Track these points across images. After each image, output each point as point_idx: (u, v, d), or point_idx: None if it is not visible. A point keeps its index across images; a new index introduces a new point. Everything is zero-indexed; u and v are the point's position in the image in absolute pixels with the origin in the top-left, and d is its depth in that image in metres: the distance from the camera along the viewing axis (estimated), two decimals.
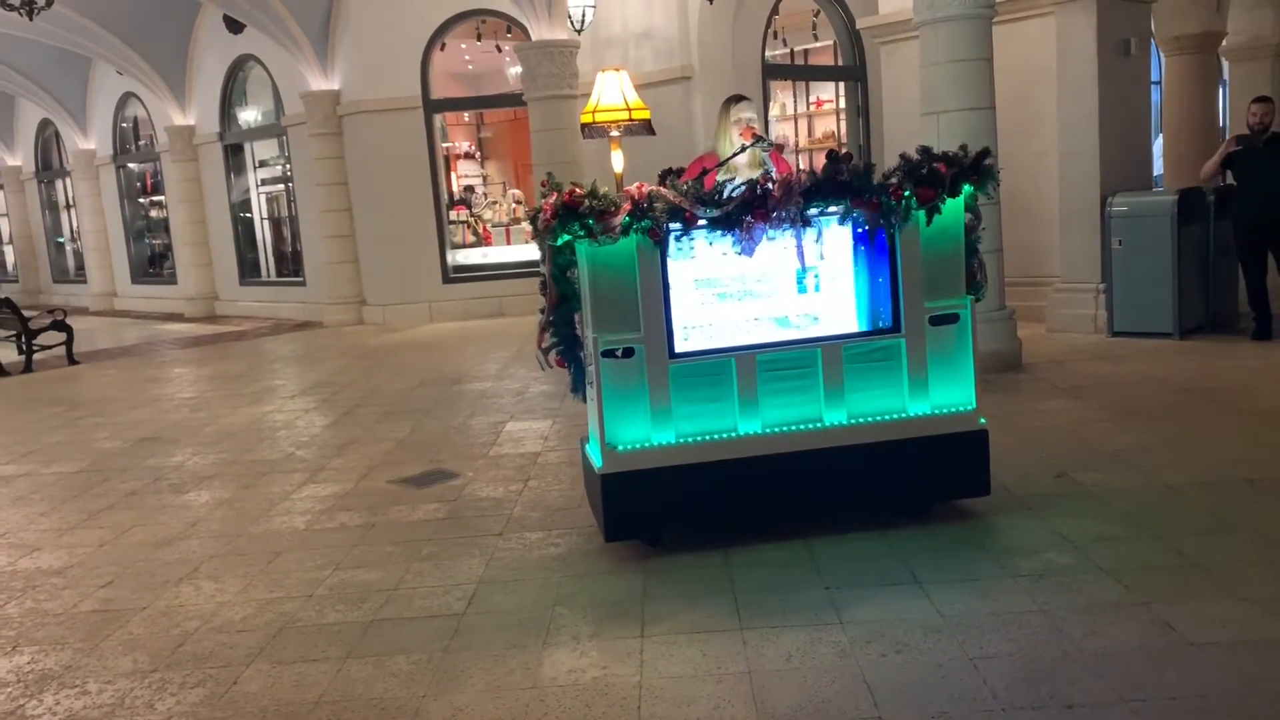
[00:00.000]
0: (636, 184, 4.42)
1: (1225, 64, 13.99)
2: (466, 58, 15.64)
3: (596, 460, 4.62)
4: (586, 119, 4.93)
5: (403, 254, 14.01)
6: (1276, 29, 13.72)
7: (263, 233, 17.17)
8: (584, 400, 4.85)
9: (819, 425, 4.67)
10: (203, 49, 16.71)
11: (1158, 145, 12.00)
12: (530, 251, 13.54)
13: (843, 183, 4.47)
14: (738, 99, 5.51)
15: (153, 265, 20.49)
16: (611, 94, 4.89)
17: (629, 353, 4.44)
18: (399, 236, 13.98)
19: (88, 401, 10.20)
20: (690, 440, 4.57)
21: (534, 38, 11.62)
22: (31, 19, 12.03)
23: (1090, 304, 9.14)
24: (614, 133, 4.94)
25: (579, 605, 4.21)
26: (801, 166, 7.79)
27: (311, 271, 15.59)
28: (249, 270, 17.28)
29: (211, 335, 15.04)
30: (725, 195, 4.44)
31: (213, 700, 3.63)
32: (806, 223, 4.54)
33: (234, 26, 15.58)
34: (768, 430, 4.63)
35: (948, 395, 4.76)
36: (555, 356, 4.83)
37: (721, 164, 5.47)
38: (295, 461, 7.04)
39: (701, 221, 4.42)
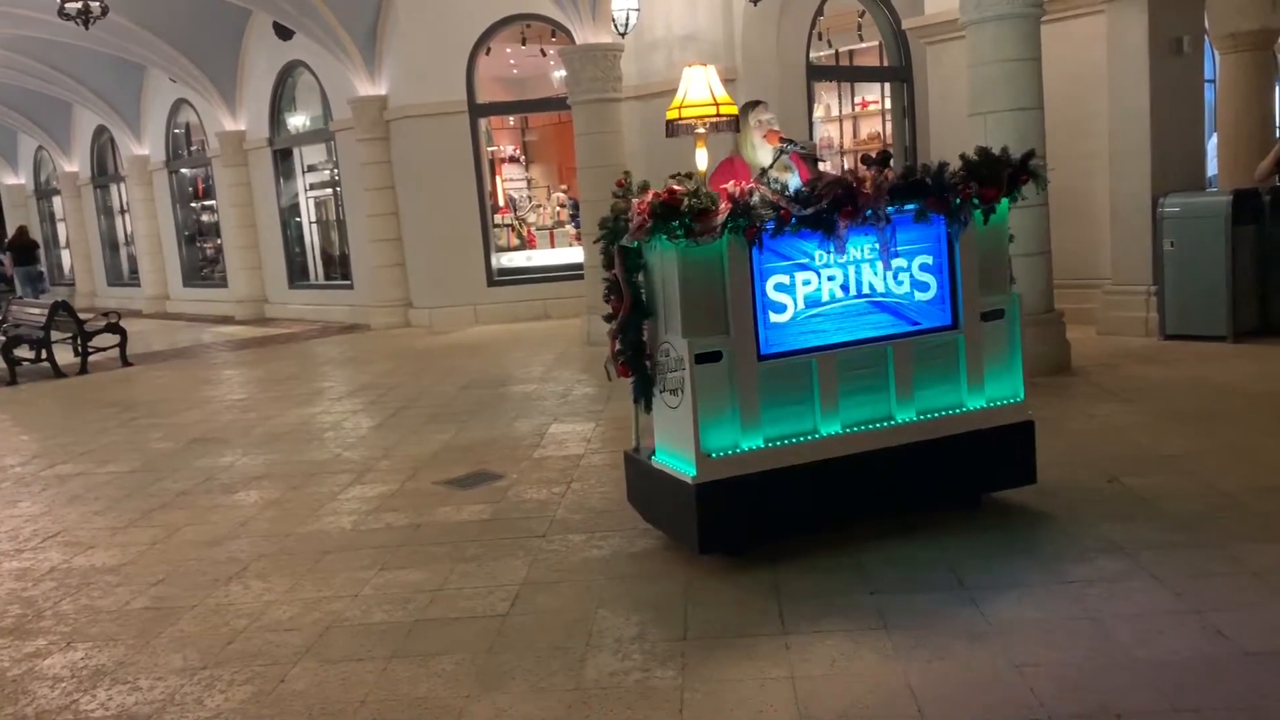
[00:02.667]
0: (733, 182, 4.42)
1: None
2: (511, 62, 15.74)
3: (687, 469, 4.44)
4: (672, 115, 4.85)
5: (448, 257, 14.12)
6: None
7: (311, 236, 17.40)
8: (647, 410, 4.71)
9: (891, 423, 4.76)
10: (253, 56, 16.98)
11: (1211, 145, 11.77)
12: (574, 254, 13.63)
13: (920, 182, 4.56)
14: (756, 103, 5.44)
15: (204, 269, 20.85)
16: (699, 89, 4.82)
17: (717, 357, 4.35)
18: (445, 240, 14.10)
19: (141, 403, 10.40)
20: (777, 444, 4.52)
21: (578, 41, 11.65)
22: (87, 28, 12.31)
23: (1141, 306, 8.99)
24: (699, 130, 4.86)
25: (622, 608, 4.22)
26: (847, 168, 7.72)
27: (359, 275, 15.77)
28: (298, 273, 17.51)
29: (261, 338, 15.26)
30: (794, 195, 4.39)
31: (260, 698, 3.69)
32: (889, 221, 4.56)
33: (283, 33, 15.81)
34: (846, 430, 4.67)
35: (1000, 388, 4.95)
36: (620, 365, 4.68)
37: (768, 169, 5.37)
38: (343, 462, 7.13)
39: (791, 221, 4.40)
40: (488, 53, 14.21)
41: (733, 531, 4.54)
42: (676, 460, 4.56)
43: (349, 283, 16.21)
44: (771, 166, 5.48)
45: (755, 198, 4.28)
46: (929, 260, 4.78)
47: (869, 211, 4.46)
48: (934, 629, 3.79)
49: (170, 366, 13.09)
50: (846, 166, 14.98)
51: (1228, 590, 3.91)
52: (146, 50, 16.87)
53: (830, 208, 4.37)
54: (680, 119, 4.83)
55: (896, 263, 4.75)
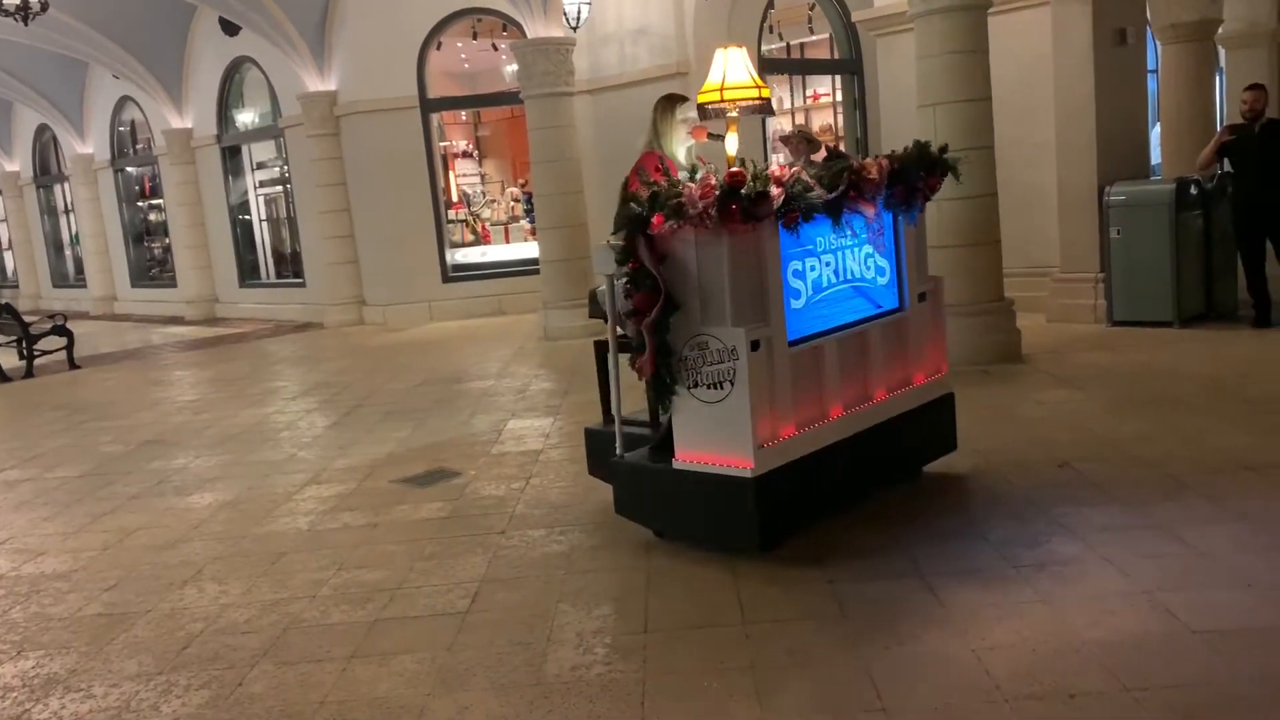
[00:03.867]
0: (778, 166, 4.42)
1: (1222, 51, 13.98)
2: (463, 56, 15.64)
3: (738, 464, 4.31)
4: (712, 98, 4.70)
5: (402, 254, 14.01)
6: (1273, 15, 13.71)
7: (262, 234, 17.18)
8: (664, 411, 4.55)
9: (871, 403, 4.93)
10: (198, 52, 16.70)
11: (1155, 134, 11.98)
12: (529, 250, 13.59)
13: (901, 170, 4.79)
14: (680, 99, 5.39)
15: (152, 269, 20.50)
16: (738, 71, 4.69)
17: (757, 346, 4.28)
18: (398, 236, 13.98)
19: (90, 406, 10.21)
20: (804, 430, 4.54)
21: (530, 35, 11.61)
22: (26, 24, 12.04)
23: (1089, 294, 9.15)
24: (732, 113, 4.74)
25: (582, 602, 4.22)
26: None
27: (311, 273, 15.60)
28: (249, 272, 17.29)
29: (212, 338, 15.05)
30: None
31: (217, 702, 3.64)
32: (881, 207, 4.84)
33: (229, 29, 15.58)
34: (848, 410, 4.77)
35: (933, 364, 5.34)
36: (650, 363, 4.39)
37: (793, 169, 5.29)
38: (298, 463, 7.05)
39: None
40: (438, 47, 14.10)
41: (782, 523, 4.51)
42: (717, 457, 4.39)
43: (301, 281, 16.03)
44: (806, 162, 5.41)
45: (798, 185, 4.30)
46: (885, 246, 5.02)
47: (874, 196, 4.65)
48: (891, 615, 3.83)
49: (119, 368, 12.87)
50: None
51: (1176, 571, 4.00)
52: (89, 47, 16.55)
53: (844, 193, 4.48)
54: (722, 101, 4.66)
55: (866, 249, 4.88)
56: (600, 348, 5.43)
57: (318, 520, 5.69)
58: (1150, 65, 11.17)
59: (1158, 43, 12.42)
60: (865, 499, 4.96)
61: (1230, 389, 6.71)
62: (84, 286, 21.89)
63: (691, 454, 4.46)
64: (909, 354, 5.19)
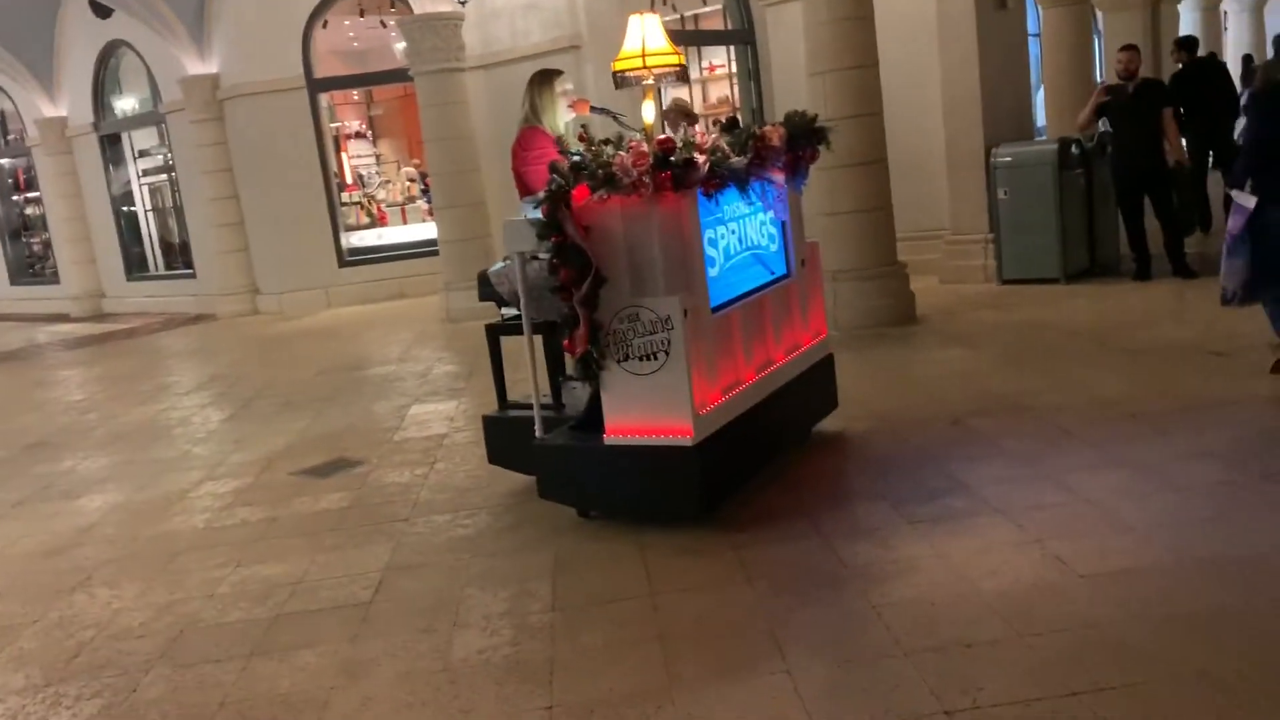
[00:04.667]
0: (699, 133, 4.38)
1: (1099, 15, 14.40)
2: (350, 34, 15.26)
3: (677, 433, 4.28)
4: (629, 65, 4.60)
5: (295, 239, 13.65)
6: None
7: (148, 225, 16.57)
8: (594, 386, 4.48)
9: (775, 365, 5.02)
10: (69, 37, 15.95)
11: (1040, 97, 12.30)
12: (428, 230, 13.37)
13: (792, 138, 4.89)
14: (555, 73, 5.29)
15: (32, 265, 19.63)
16: (656, 38, 4.62)
17: (685, 314, 4.24)
18: (290, 221, 13.61)
19: None
20: (727, 396, 4.55)
21: (417, 11, 11.37)
22: None
23: (980, 254, 9.37)
24: (648, 81, 4.68)
25: (489, 585, 4.18)
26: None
27: (201, 263, 15.11)
28: (136, 265, 16.66)
29: (100, 334, 14.48)
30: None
31: (111, 710, 3.52)
32: (786, 173, 4.99)
33: (101, 11, 14.91)
34: (758, 375, 4.83)
35: (815, 326, 5.51)
36: (580, 337, 4.30)
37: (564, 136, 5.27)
38: (192, 459, 6.84)
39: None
40: (324, 25, 13.73)
41: (718, 487, 4.52)
42: (653, 428, 4.35)
43: (191, 271, 15.52)
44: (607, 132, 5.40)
45: (717, 153, 4.28)
46: (773, 214, 5.08)
47: (774, 163, 4.71)
48: (794, 577, 3.89)
49: (0, 370, 12.31)
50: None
51: (1065, 519, 4.13)
52: None
53: (753, 160, 4.51)
54: (645, 68, 4.59)
55: (761, 216, 4.93)
56: (491, 332, 5.37)
57: (214, 517, 5.53)
58: (1032, 29, 11.47)
59: (1039, 7, 12.73)
60: (769, 464, 5.01)
61: (1113, 341, 6.95)
62: None
63: (624, 427, 4.41)
64: (797, 318, 5.30)
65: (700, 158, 4.20)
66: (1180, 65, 10.80)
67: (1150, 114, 8.57)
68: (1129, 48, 8.97)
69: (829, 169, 7.63)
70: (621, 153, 4.15)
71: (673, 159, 4.10)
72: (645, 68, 4.62)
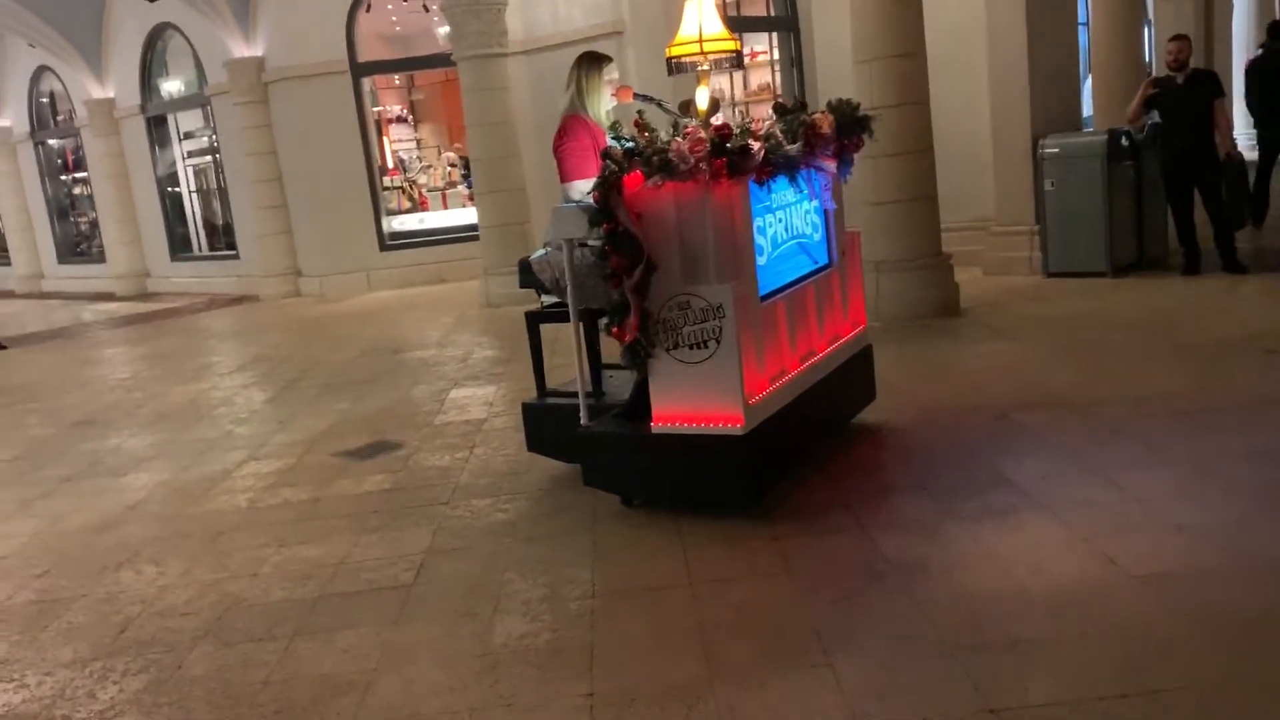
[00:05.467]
0: (753, 120, 4.37)
1: (1150, 2, 14.12)
2: (393, 18, 15.27)
3: (727, 422, 4.26)
4: (686, 50, 4.59)
5: (337, 223, 13.74)
6: None
7: (192, 206, 16.75)
8: (642, 375, 4.45)
9: (818, 355, 4.99)
10: (118, 19, 16.13)
11: (1088, 86, 12.10)
12: (468, 215, 13.41)
13: (840, 126, 4.84)
14: (602, 58, 5.16)
15: (80, 244, 19.93)
16: (713, 23, 4.61)
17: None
18: (332, 205, 13.70)
19: (17, 387, 9.92)
20: (774, 386, 4.52)
21: None
22: None
23: (1025, 246, 9.24)
24: (703, 66, 4.67)
25: (529, 570, 4.19)
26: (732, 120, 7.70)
27: (244, 244, 15.25)
28: (180, 245, 16.86)
29: (144, 314, 14.68)
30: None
31: (157, 686, 3.56)
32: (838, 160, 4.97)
33: None
34: (803, 365, 4.81)
35: (855, 316, 5.46)
36: (631, 325, 4.26)
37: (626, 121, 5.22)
38: (235, 439, 6.92)
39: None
40: (368, 9, 13.76)
41: (766, 477, 4.51)
42: (703, 416, 4.32)
43: (234, 253, 15.68)
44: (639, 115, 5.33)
45: (771, 139, 4.26)
46: (817, 203, 5.04)
47: (826, 151, 4.69)
48: (836, 570, 3.86)
49: (47, 348, 12.52)
50: (738, 118, 14.96)
51: (1114, 517, 4.06)
52: (1, 15, 15.91)
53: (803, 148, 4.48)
54: (702, 53, 4.57)
55: (806, 205, 4.89)
56: (532, 319, 5.36)
57: (257, 497, 5.59)
58: (1081, 18, 11.27)
59: None
60: (810, 454, 4.98)
61: (1161, 336, 6.83)
62: (8, 265, 21.22)
63: (672, 415, 4.38)
64: (838, 308, 5.25)
65: (755, 145, 4.16)
66: (1261, 51, 10.67)
67: (1201, 105, 8.41)
68: (1179, 38, 8.80)
69: (874, 157, 7.55)
70: (678, 139, 4.11)
71: (729, 146, 4.06)
72: (702, 53, 4.59)
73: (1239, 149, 8.85)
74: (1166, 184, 8.77)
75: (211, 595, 4.30)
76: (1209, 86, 8.52)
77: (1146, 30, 13.80)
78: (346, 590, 4.20)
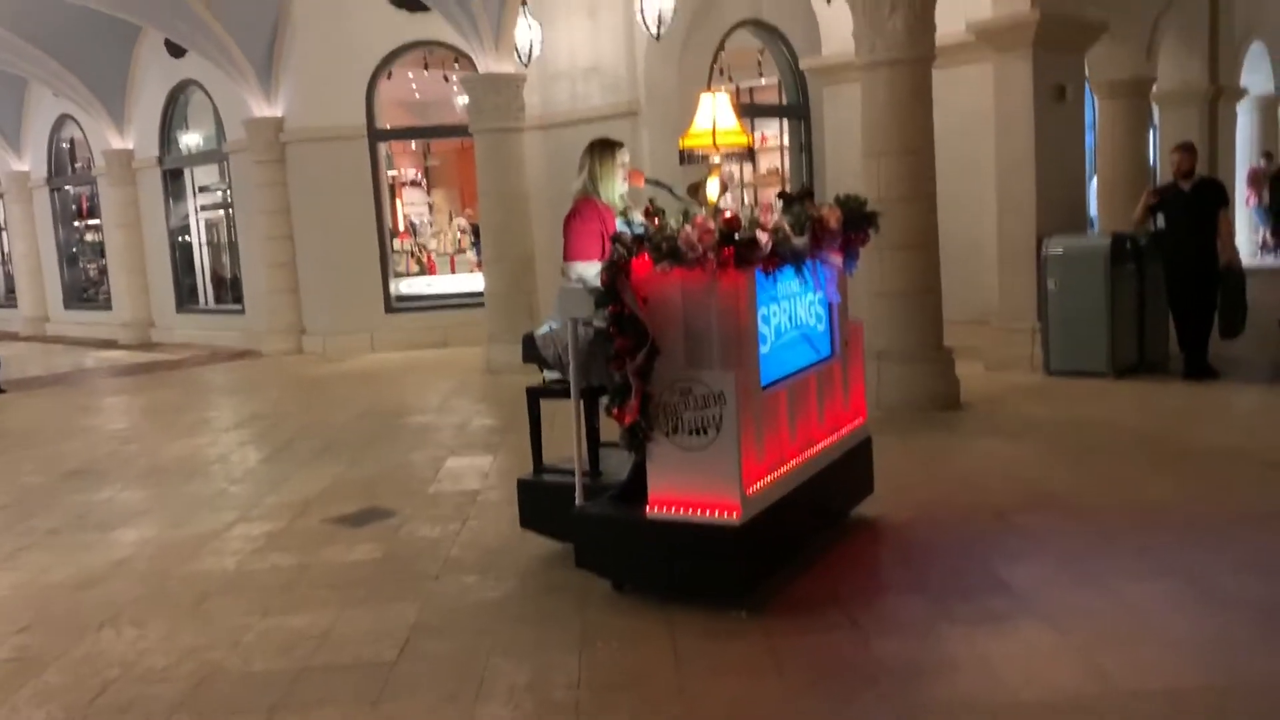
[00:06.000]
0: (761, 210, 4.41)
1: (1156, 109, 14.39)
2: (413, 86, 15.58)
3: (723, 512, 4.22)
4: (699, 142, 4.74)
5: (345, 283, 13.83)
6: (1204, 76, 14.16)
7: (201, 259, 16.87)
8: (640, 458, 4.43)
9: (818, 446, 4.97)
10: (143, 72, 16.44)
11: (1092, 187, 12.27)
12: (475, 281, 13.50)
13: (847, 220, 4.93)
14: (616, 144, 5.27)
15: (87, 290, 20.04)
16: (727, 117, 4.75)
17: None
18: (341, 265, 13.80)
19: (13, 432, 9.89)
20: (772, 476, 4.50)
21: (481, 69, 11.58)
22: None
23: (1027, 343, 9.27)
24: (715, 159, 4.79)
25: (515, 654, 4.12)
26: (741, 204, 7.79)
27: (251, 299, 15.33)
28: (186, 297, 16.95)
29: (146, 363, 14.70)
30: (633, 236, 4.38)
31: None
32: (842, 254, 5.01)
33: (175, 51, 15.35)
34: (802, 456, 4.79)
35: (856, 408, 5.47)
36: (632, 407, 4.25)
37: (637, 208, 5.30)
38: (228, 498, 6.87)
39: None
40: (389, 77, 14.03)
41: (760, 569, 4.47)
42: (699, 504, 4.28)
43: (240, 307, 15.75)
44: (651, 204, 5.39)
45: (779, 230, 4.32)
46: (820, 295, 5.09)
47: (832, 244, 4.77)
48: (827, 670, 3.80)
49: (47, 393, 12.50)
50: (747, 201, 15.15)
51: (1109, 627, 4.02)
52: (28, 63, 16.22)
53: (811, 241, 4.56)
54: (714, 147, 4.72)
55: (811, 296, 4.94)
56: (532, 395, 5.37)
57: (245, 560, 5.53)
58: (1088, 120, 11.47)
59: (1095, 98, 12.75)
60: (806, 547, 4.93)
61: (1162, 442, 6.82)
62: (15, 307, 21.32)
63: (669, 501, 4.34)
64: (839, 399, 5.26)
65: (763, 236, 4.21)
66: None
67: (1206, 213, 8.51)
68: (1184, 147, 8.95)
69: (880, 249, 7.62)
70: (687, 226, 4.17)
71: (737, 236, 4.11)
72: (715, 146, 4.68)
73: (1239, 258, 8.93)
74: (1169, 289, 8.83)
75: (191, 662, 4.23)
76: (1215, 195, 8.64)
77: (1152, 135, 14.04)
78: (329, 664, 4.13)
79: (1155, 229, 9.16)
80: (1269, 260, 18.18)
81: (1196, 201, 8.56)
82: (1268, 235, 19.11)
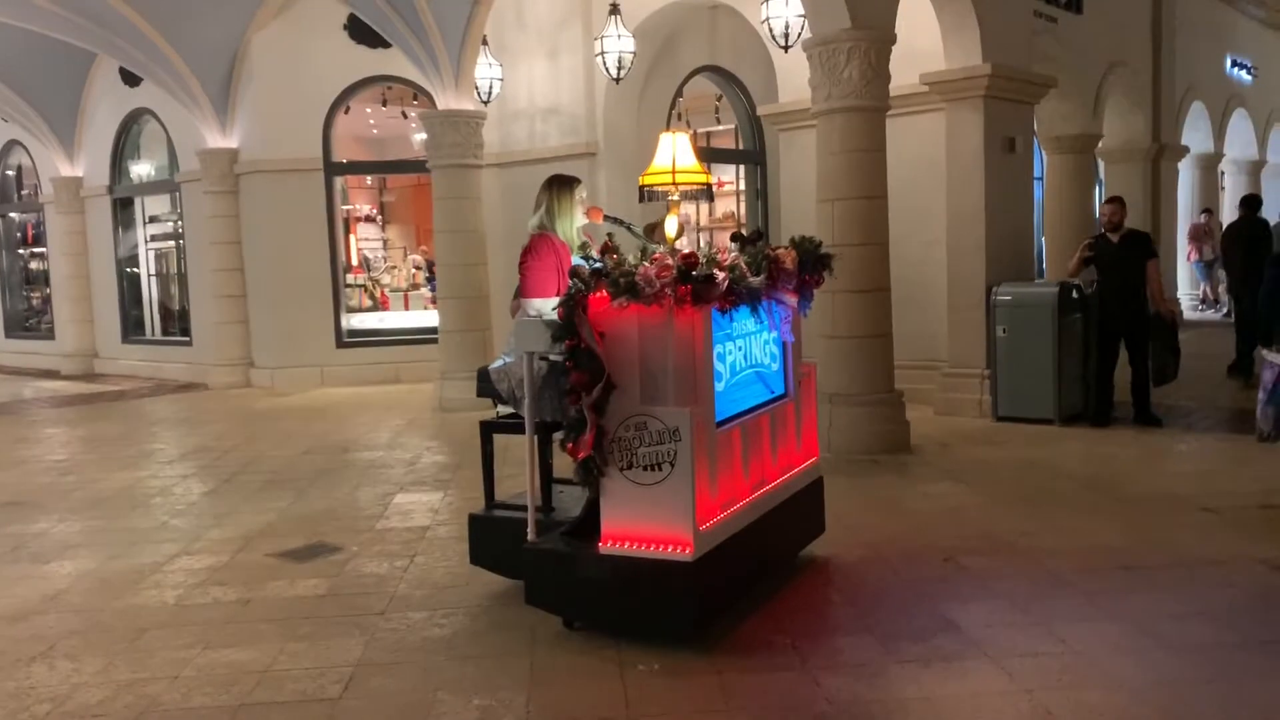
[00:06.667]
0: (719, 250, 4.44)
1: (1101, 164, 14.80)
2: (371, 122, 15.56)
3: (676, 547, 4.21)
4: (658, 180, 4.79)
5: (295, 316, 13.69)
6: (1147, 134, 14.61)
7: (149, 290, 16.61)
8: (593, 494, 4.43)
9: (770, 485, 4.98)
10: (95, 100, 16.26)
11: (1042, 239, 12.56)
12: (429, 318, 13.43)
13: (802, 262, 5.02)
14: (574, 180, 5.32)
15: (29, 319, 19.62)
16: (686, 156, 4.81)
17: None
18: (292, 298, 13.67)
19: None
20: (725, 513, 4.48)
21: (440, 106, 11.61)
22: None
23: (976, 389, 9.41)
24: (673, 197, 4.84)
25: (462, 690, 4.06)
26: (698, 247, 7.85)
27: (199, 331, 15.11)
28: (132, 328, 16.65)
29: (88, 394, 14.39)
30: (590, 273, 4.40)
31: None
32: (798, 294, 5.07)
33: (130, 80, 15.22)
34: (754, 494, 4.78)
35: (808, 448, 5.49)
36: (586, 442, 4.25)
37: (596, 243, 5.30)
38: (169, 531, 6.72)
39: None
40: (346, 111, 14.01)
41: (713, 607, 4.45)
42: (652, 540, 4.27)
43: (187, 339, 15.51)
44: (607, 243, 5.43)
45: (736, 270, 4.34)
46: (775, 335, 5.12)
47: (788, 285, 4.82)
48: (778, 711, 3.78)
49: None
50: (703, 243, 15.27)
51: (1055, 669, 4.05)
52: None
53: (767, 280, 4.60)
54: (674, 184, 4.77)
55: (765, 335, 4.98)
56: (486, 429, 5.34)
57: (185, 594, 5.40)
58: (1037, 173, 11.76)
59: (1044, 152, 13.09)
60: (757, 586, 4.92)
61: (1108, 488, 6.93)
62: None
63: (622, 536, 4.32)
64: (792, 439, 5.28)
65: (720, 275, 4.24)
66: (1240, 218, 11.70)
67: (1134, 264, 8.74)
68: (1114, 200, 9.32)
69: (832, 292, 7.71)
70: (645, 263, 4.19)
71: (695, 273, 4.14)
72: (674, 184, 4.73)
73: (1178, 308, 9.17)
74: (1099, 334, 9.04)
75: (128, 696, 4.11)
76: (1142, 247, 8.87)
77: (1097, 190, 14.43)
78: (270, 700, 4.04)
79: (1095, 280, 9.37)
80: (1209, 314, 18.69)
81: (1124, 253, 8.79)
82: (1207, 290, 19.63)
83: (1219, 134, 19.01)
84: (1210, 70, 18.05)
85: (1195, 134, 17.83)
